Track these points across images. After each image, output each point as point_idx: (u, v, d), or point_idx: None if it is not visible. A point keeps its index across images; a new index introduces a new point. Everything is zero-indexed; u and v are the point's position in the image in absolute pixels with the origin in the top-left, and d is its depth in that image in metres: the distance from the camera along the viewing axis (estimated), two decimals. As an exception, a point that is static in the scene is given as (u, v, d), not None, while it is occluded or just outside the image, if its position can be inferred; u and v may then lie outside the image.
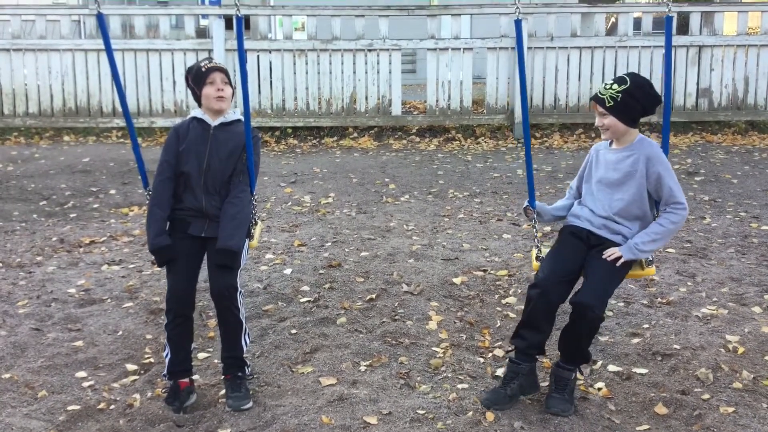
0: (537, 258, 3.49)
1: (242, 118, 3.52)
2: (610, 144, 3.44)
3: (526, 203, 3.62)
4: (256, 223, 3.66)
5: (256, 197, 3.61)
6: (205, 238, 3.48)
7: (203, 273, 3.50)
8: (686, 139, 9.92)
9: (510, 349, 3.56)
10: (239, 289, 3.45)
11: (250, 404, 3.38)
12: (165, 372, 3.47)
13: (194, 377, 3.58)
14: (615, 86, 3.30)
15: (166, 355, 3.47)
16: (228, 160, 3.47)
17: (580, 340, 3.28)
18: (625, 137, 3.36)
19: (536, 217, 3.57)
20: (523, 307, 4.10)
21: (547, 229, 5.93)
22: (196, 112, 3.53)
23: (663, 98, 3.38)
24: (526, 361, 3.34)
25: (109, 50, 3.71)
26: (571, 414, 3.27)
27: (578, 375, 3.47)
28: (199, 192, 3.46)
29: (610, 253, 3.29)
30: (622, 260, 3.27)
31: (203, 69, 3.46)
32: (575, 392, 3.39)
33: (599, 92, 3.34)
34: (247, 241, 3.56)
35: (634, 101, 3.28)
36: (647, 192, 3.33)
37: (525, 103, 3.60)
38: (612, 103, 3.28)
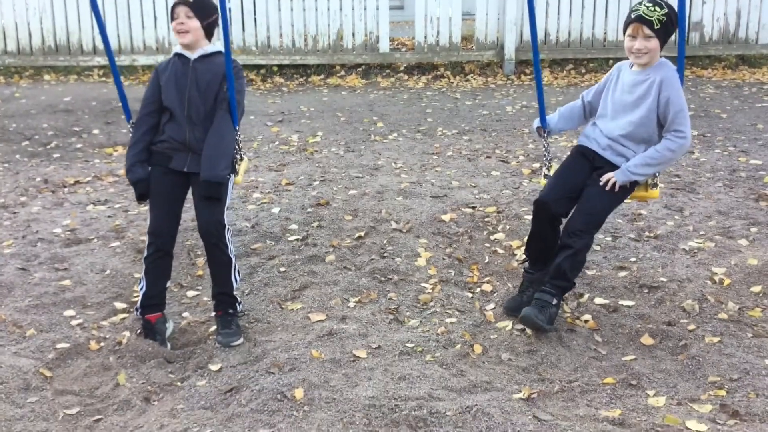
0: (545, 176, 3.62)
1: (223, 50, 3.45)
2: (631, 66, 3.41)
3: (536, 122, 3.69)
4: (241, 159, 3.62)
5: (240, 133, 3.55)
6: (188, 174, 3.45)
7: (191, 212, 3.47)
8: (677, 74, 9.83)
9: (525, 260, 3.75)
10: (227, 226, 3.44)
11: (241, 341, 3.40)
12: (137, 305, 3.50)
13: (184, 315, 3.60)
14: (658, 9, 3.24)
15: (141, 288, 3.51)
16: (207, 90, 3.45)
17: (563, 263, 3.34)
18: (652, 60, 3.34)
19: (546, 135, 3.66)
20: (512, 242, 4.15)
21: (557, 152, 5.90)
22: (177, 48, 3.55)
23: (677, 30, 3.35)
24: (537, 269, 3.57)
25: None
26: (545, 327, 3.31)
27: (563, 308, 3.52)
28: (183, 123, 3.45)
29: (606, 179, 3.35)
30: (616, 184, 3.33)
31: (173, 4, 3.46)
32: (558, 324, 3.44)
33: (644, 14, 3.23)
34: (232, 176, 3.52)
35: (673, 26, 3.28)
36: (657, 117, 3.32)
37: (533, 19, 3.54)
38: (659, 26, 3.23)
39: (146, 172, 3.46)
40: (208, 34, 3.50)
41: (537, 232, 3.51)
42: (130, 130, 3.64)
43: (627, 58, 3.44)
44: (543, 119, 3.65)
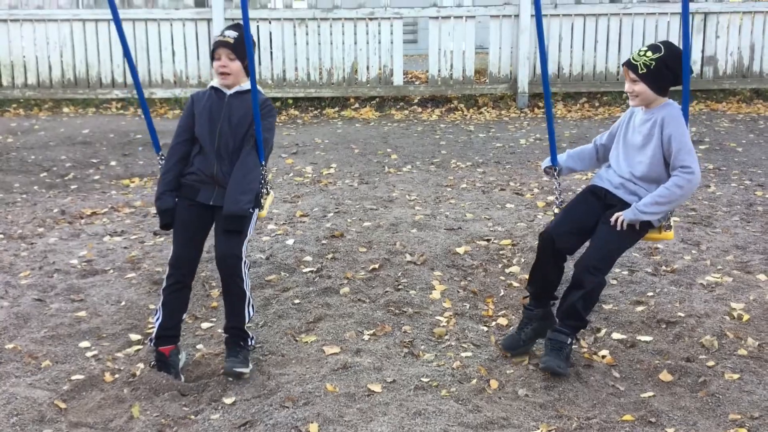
0: (554, 215, 3.61)
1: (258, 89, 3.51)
2: (642, 108, 3.44)
3: (546, 162, 3.66)
4: (268, 193, 3.66)
5: (265, 167, 3.58)
6: (213, 207, 3.49)
7: (208, 243, 3.49)
8: (690, 107, 9.81)
9: (527, 296, 3.70)
10: (243, 259, 3.44)
11: (247, 370, 3.38)
12: (152, 336, 3.50)
13: (198, 347, 3.59)
14: (649, 53, 3.28)
15: (157, 319, 3.50)
16: (238, 126, 3.51)
17: (577, 302, 3.30)
18: (653, 104, 3.36)
19: (556, 174, 3.63)
20: (527, 276, 4.12)
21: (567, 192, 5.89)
22: (214, 81, 3.63)
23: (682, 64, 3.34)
24: (537, 306, 3.50)
25: (117, 20, 3.79)
26: (567, 372, 3.28)
27: (580, 343, 3.48)
28: (212, 156, 3.50)
29: (615, 217, 3.33)
30: (624, 222, 3.30)
31: (213, 42, 3.55)
32: (576, 360, 3.39)
33: (632, 58, 3.33)
34: (256, 210, 3.55)
35: (667, 70, 3.27)
36: (663, 156, 3.32)
37: (544, 57, 3.54)
38: (644, 71, 3.26)
39: (174, 202, 3.52)
40: (247, 72, 3.55)
41: (540, 266, 3.47)
42: (159, 162, 3.73)
43: None
44: (554, 158, 3.64)
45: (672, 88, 3.38)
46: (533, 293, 3.55)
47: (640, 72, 3.28)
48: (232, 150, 3.50)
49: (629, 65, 3.33)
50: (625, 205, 3.37)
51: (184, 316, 3.59)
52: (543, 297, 3.52)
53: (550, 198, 5.92)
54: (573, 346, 3.40)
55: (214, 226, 3.54)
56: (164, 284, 3.49)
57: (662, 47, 3.30)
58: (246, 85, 3.54)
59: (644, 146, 3.36)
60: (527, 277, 4.34)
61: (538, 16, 3.49)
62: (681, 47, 3.28)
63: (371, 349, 3.60)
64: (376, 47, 10.13)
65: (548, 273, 3.45)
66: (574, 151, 3.71)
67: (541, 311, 3.50)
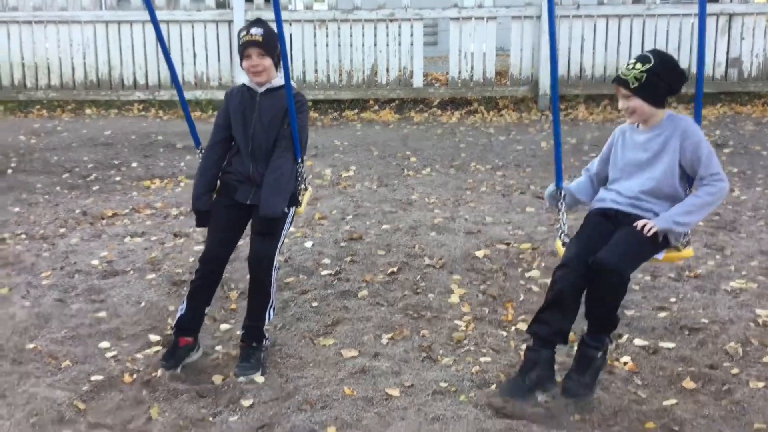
0: (563, 244, 3.29)
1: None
2: (637, 125, 3.26)
3: (550, 188, 3.42)
4: (306, 189, 3.67)
5: (302, 163, 3.57)
6: (250, 206, 3.50)
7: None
8: (715, 110, 9.69)
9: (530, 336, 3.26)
10: (275, 263, 3.47)
11: (258, 374, 3.39)
12: (173, 325, 3.56)
13: (216, 348, 3.60)
14: (638, 65, 3.09)
15: (180, 309, 3.55)
16: (271, 125, 3.50)
17: (603, 305, 3.08)
18: (652, 118, 3.19)
19: (563, 199, 3.38)
20: (548, 280, 4.00)
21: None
22: (245, 78, 3.59)
23: (696, 67, 3.20)
24: (545, 347, 3.13)
25: (155, 22, 3.74)
26: (590, 398, 3.12)
27: (609, 345, 3.28)
28: (246, 157, 3.51)
29: (643, 224, 3.10)
30: (654, 229, 3.08)
31: (241, 42, 3.50)
32: (602, 371, 3.23)
33: (621, 73, 3.14)
34: (292, 209, 3.56)
35: (660, 81, 3.09)
36: (680, 169, 3.16)
37: (555, 71, 3.34)
38: (636, 84, 3.09)
39: (210, 205, 3.55)
40: (277, 66, 3.53)
41: (556, 302, 3.08)
42: (199, 156, 3.76)
43: None
44: (559, 180, 3.39)
45: (680, 93, 3.24)
46: (543, 334, 3.12)
47: (632, 87, 3.09)
48: (266, 150, 3.49)
49: (619, 81, 3.13)
50: (640, 219, 3.16)
51: (216, 317, 3.62)
52: (559, 337, 3.13)
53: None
54: (604, 360, 3.21)
55: (250, 224, 3.55)
56: (193, 277, 3.56)
57: (651, 57, 3.11)
58: (277, 81, 3.52)
59: (654, 162, 3.17)
60: (548, 281, 4.27)
61: (551, 19, 3.41)
62: (670, 55, 3.15)
63: (389, 353, 3.58)
64: (396, 49, 10.12)
65: (566, 309, 3.09)
66: (571, 185, 3.47)
67: (548, 353, 3.13)
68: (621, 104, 3.20)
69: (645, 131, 3.23)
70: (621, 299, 3.13)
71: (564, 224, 3.37)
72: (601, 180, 3.42)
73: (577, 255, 3.11)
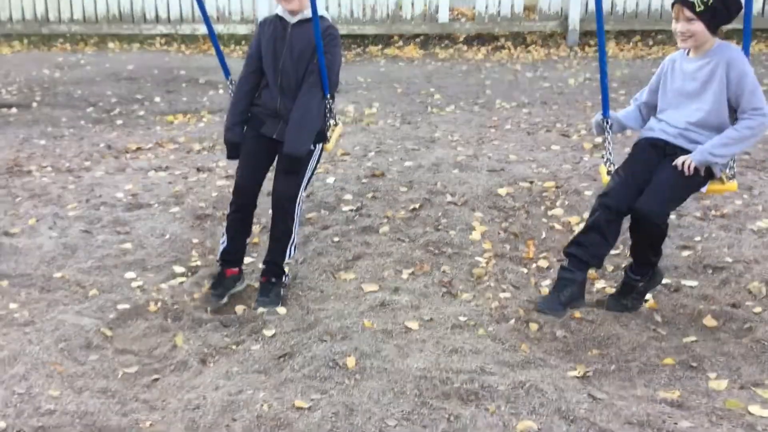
0: (608, 173, 3.35)
1: (321, 14, 3.38)
2: (687, 53, 3.23)
3: (599, 116, 3.41)
4: (336, 124, 3.63)
5: (331, 99, 3.52)
6: (277, 141, 3.48)
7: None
8: (750, 47, 9.37)
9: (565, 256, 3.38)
10: (299, 201, 3.49)
11: (277, 307, 3.45)
12: (218, 258, 3.64)
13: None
14: None
15: (222, 242, 3.62)
16: (300, 59, 3.42)
17: (645, 245, 3.23)
18: (704, 45, 3.15)
19: (609, 128, 3.38)
20: (570, 218, 4.00)
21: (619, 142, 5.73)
22: (279, 9, 3.50)
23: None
24: (579, 269, 3.26)
25: None
26: (634, 310, 3.33)
27: (661, 274, 3.45)
28: (275, 91, 3.47)
29: (681, 161, 3.13)
30: (692, 165, 3.10)
31: None
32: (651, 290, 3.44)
33: None
34: (319, 146, 3.53)
35: (723, 7, 3.06)
36: (727, 100, 3.13)
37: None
38: (702, 8, 3.04)
39: (242, 136, 3.53)
40: None
41: (596, 228, 3.21)
42: (229, 86, 3.76)
43: None
44: (606, 110, 3.37)
45: (726, 28, 3.17)
46: (579, 256, 3.25)
47: (697, 10, 3.05)
48: (295, 84, 3.43)
49: (684, 3, 3.08)
50: (686, 153, 3.17)
51: (248, 240, 3.68)
52: (591, 261, 3.26)
53: (598, 140, 5.75)
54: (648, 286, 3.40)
55: (276, 160, 3.54)
56: (228, 210, 3.60)
57: None
58: (308, 12, 3.39)
59: (702, 92, 3.16)
60: (570, 220, 4.27)
61: None
62: None
63: (409, 288, 3.60)
64: (422, -18, 9.87)
65: (606, 235, 3.21)
66: (618, 114, 3.47)
67: (582, 276, 3.28)
68: (680, 26, 3.13)
69: (695, 59, 3.20)
70: (662, 241, 3.26)
71: (610, 152, 3.43)
72: (650, 109, 3.41)
73: (621, 188, 3.21)
